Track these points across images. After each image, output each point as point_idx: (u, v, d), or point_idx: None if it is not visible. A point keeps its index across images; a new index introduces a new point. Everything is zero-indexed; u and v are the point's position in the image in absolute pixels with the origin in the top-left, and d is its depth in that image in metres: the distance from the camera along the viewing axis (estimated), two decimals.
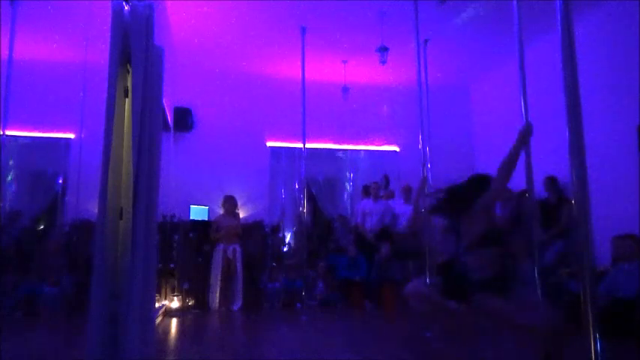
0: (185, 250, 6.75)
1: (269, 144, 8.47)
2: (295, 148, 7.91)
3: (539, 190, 5.75)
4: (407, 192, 7.41)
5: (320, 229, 8.51)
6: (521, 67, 3.01)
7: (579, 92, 2.27)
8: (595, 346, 2.06)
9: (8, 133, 5.48)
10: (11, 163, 7.35)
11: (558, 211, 5.88)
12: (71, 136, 7.63)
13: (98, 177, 2.81)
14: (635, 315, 4.02)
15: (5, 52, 5.17)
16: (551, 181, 6.05)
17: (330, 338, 4.72)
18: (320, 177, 8.60)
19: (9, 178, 7.25)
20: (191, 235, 6.90)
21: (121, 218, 2.93)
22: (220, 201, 7.22)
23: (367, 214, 7.30)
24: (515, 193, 6.47)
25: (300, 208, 7.01)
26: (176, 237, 6.74)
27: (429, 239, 4.34)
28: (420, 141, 4.83)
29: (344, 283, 6.99)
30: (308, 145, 6.35)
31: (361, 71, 7.91)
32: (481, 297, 2.60)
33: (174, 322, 5.65)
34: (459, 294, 2.69)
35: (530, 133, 2.79)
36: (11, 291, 5.98)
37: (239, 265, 6.73)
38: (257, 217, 7.88)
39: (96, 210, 2.82)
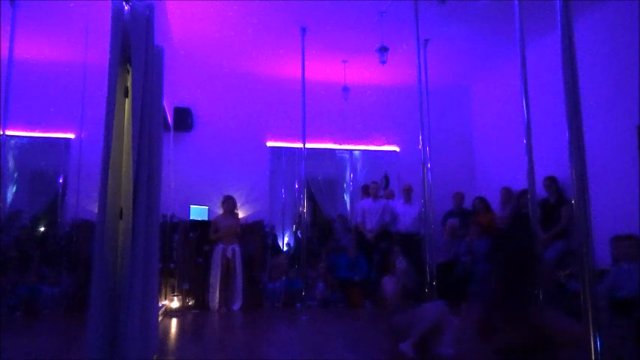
0: (185, 250, 6.75)
1: (269, 144, 8.46)
2: (295, 148, 7.91)
3: (539, 190, 5.74)
4: (407, 192, 7.41)
5: (320, 229, 8.50)
6: (523, 67, 3.01)
7: (579, 92, 2.27)
8: (595, 346, 2.06)
9: (8, 133, 5.47)
10: (11, 163, 7.35)
11: (558, 211, 5.87)
12: (71, 136, 7.61)
13: (98, 177, 2.81)
14: (635, 315, 4.01)
15: (5, 52, 5.16)
16: (551, 181, 6.04)
17: (330, 338, 4.72)
18: (320, 177, 8.59)
19: (9, 177, 7.24)
20: (191, 235, 6.90)
21: (120, 218, 2.93)
22: (220, 201, 7.23)
23: (367, 213, 7.29)
24: (516, 194, 6.49)
25: (300, 208, 7.00)
26: (176, 237, 6.74)
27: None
28: (420, 141, 4.83)
29: (344, 283, 6.99)
30: (308, 145, 6.35)
31: (361, 71, 7.90)
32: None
33: (174, 322, 5.65)
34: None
35: None
36: (11, 291, 5.98)
37: (238, 264, 6.72)
38: (257, 217, 7.87)
39: (96, 210, 2.82)
